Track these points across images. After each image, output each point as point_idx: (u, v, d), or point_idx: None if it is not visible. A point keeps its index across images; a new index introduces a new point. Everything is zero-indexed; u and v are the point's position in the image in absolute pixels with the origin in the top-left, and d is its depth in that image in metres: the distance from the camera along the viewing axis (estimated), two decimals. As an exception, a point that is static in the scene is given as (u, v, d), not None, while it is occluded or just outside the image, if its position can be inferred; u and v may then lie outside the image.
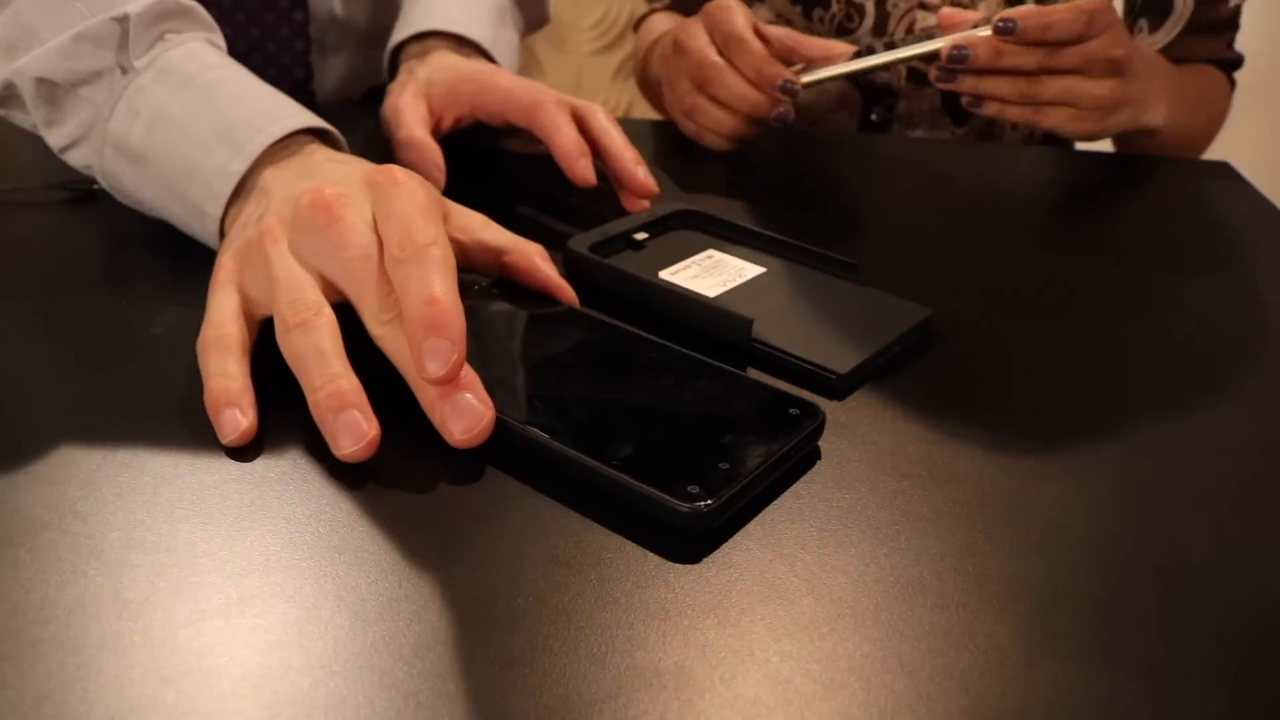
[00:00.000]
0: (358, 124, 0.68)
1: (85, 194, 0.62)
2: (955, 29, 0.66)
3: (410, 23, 0.72)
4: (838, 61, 0.70)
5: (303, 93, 0.83)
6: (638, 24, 1.06)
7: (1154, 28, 0.88)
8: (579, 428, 0.37)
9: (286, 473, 0.37)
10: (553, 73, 2.05)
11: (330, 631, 0.30)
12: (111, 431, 0.39)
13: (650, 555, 0.33)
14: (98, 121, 0.51)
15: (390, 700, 0.28)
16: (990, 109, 0.67)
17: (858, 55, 0.69)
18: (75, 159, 0.54)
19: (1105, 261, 0.59)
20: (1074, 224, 0.65)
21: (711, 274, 0.50)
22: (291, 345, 0.39)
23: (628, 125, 0.75)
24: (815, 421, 0.38)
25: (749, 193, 0.68)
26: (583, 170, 0.60)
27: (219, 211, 0.48)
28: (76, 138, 0.53)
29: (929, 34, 0.67)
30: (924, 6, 0.87)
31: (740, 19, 0.70)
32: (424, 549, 0.33)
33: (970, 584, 0.33)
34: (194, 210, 0.49)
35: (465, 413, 0.36)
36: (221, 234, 0.49)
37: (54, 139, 0.54)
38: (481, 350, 0.42)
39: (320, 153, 0.49)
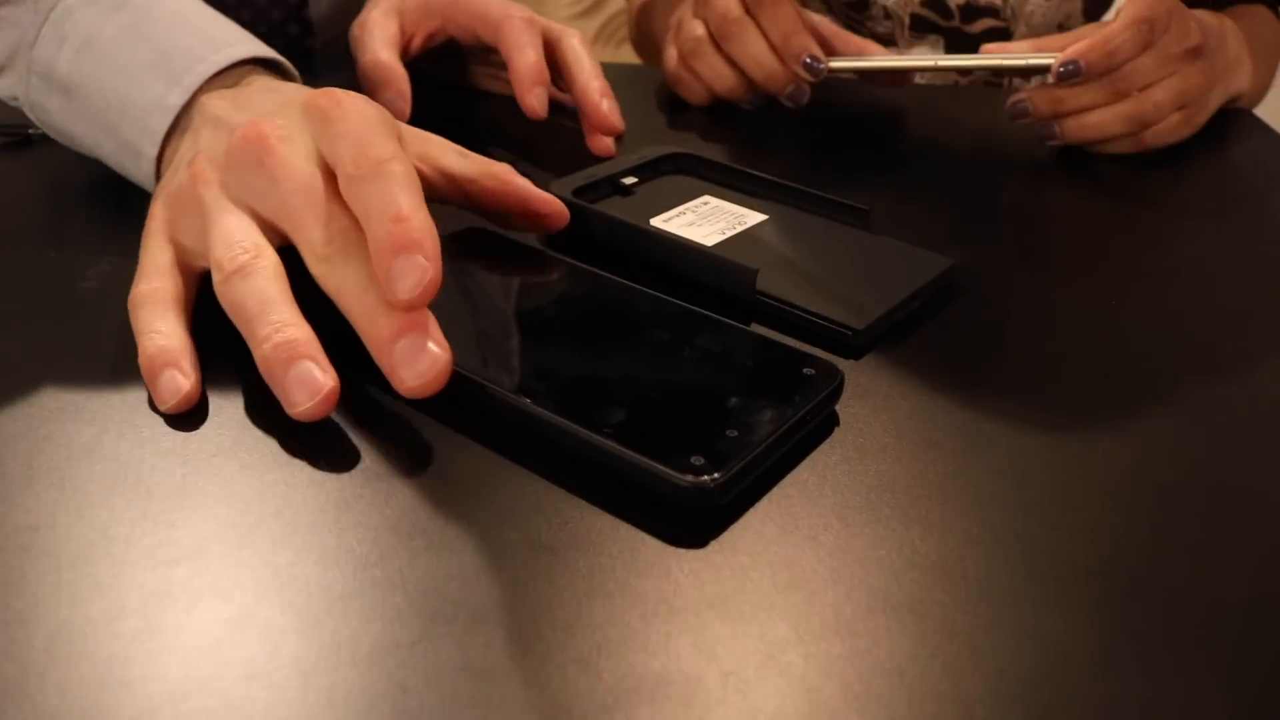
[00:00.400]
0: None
1: (21, 139, 0.57)
2: None
3: None
4: (857, 53, 0.65)
5: (296, 19, 0.78)
6: None
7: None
8: (564, 391, 0.32)
9: (227, 446, 0.32)
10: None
11: (270, 633, 0.25)
12: (28, 397, 0.34)
13: (648, 539, 0.29)
14: (22, 47, 0.46)
15: (340, 716, 0.23)
16: (1103, 146, 0.62)
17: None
18: (2, 89, 0.49)
19: (1134, 210, 0.54)
20: (1100, 171, 0.60)
21: (708, 221, 0.46)
22: (231, 294, 0.34)
23: (615, 68, 0.70)
24: (833, 382, 0.33)
25: (746, 136, 0.63)
26: (533, 100, 0.55)
27: (154, 150, 0.43)
28: (0, 64, 0.48)
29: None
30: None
31: None
32: (383, 534, 0.28)
33: (1020, 570, 0.28)
34: (128, 149, 0.44)
35: (418, 356, 0.31)
36: (158, 175, 0.43)
37: None
38: (451, 307, 0.37)
39: (260, 81, 0.44)
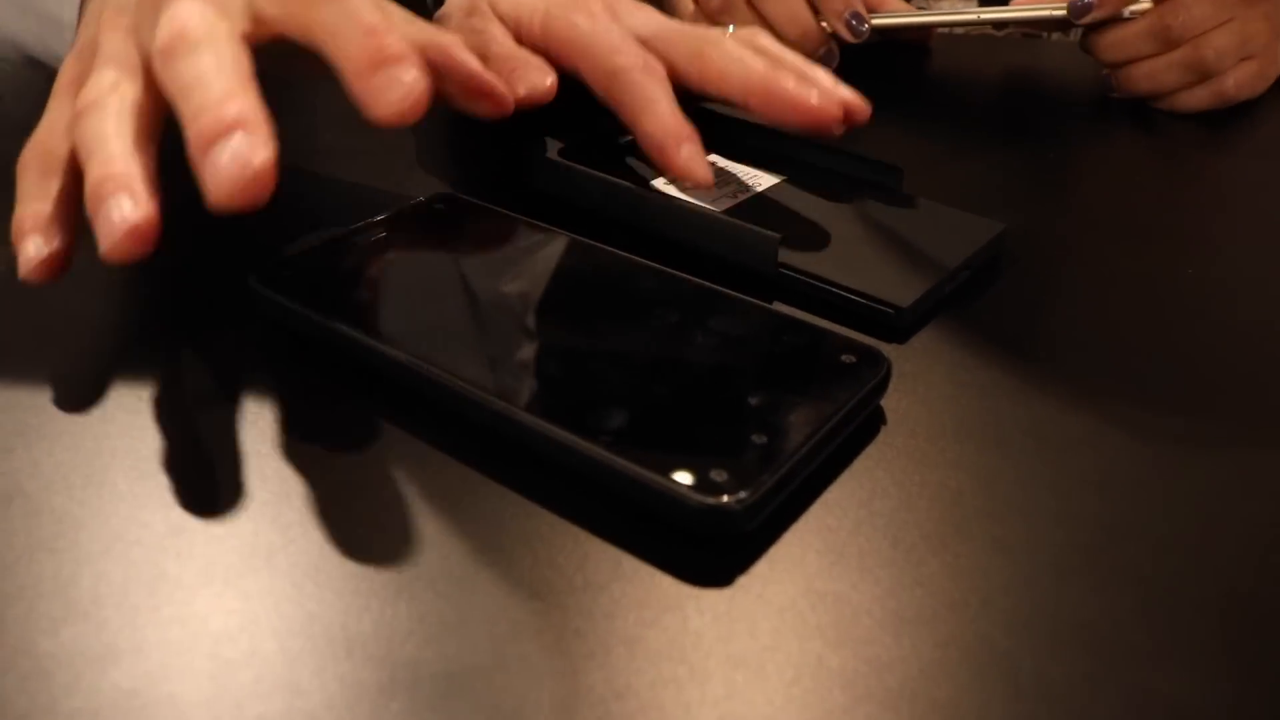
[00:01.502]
0: None
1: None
2: None
3: None
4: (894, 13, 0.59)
5: None
6: None
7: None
8: (551, 389, 0.27)
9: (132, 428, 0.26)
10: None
11: (205, 685, 0.20)
12: (-103, 406, 0.28)
13: (659, 577, 0.23)
14: None
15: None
16: (1167, 102, 0.56)
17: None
18: None
19: (1200, 167, 0.48)
20: (1161, 125, 0.54)
21: (717, 184, 0.40)
22: (75, 138, 0.30)
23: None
24: (879, 372, 0.28)
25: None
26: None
27: (74, 15, 0.39)
28: None
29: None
30: None
31: None
32: (325, 578, 0.23)
33: (1124, 611, 0.23)
34: (50, 24, 0.41)
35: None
36: None
37: None
38: (416, 289, 0.31)
39: None
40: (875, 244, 0.36)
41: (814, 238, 0.36)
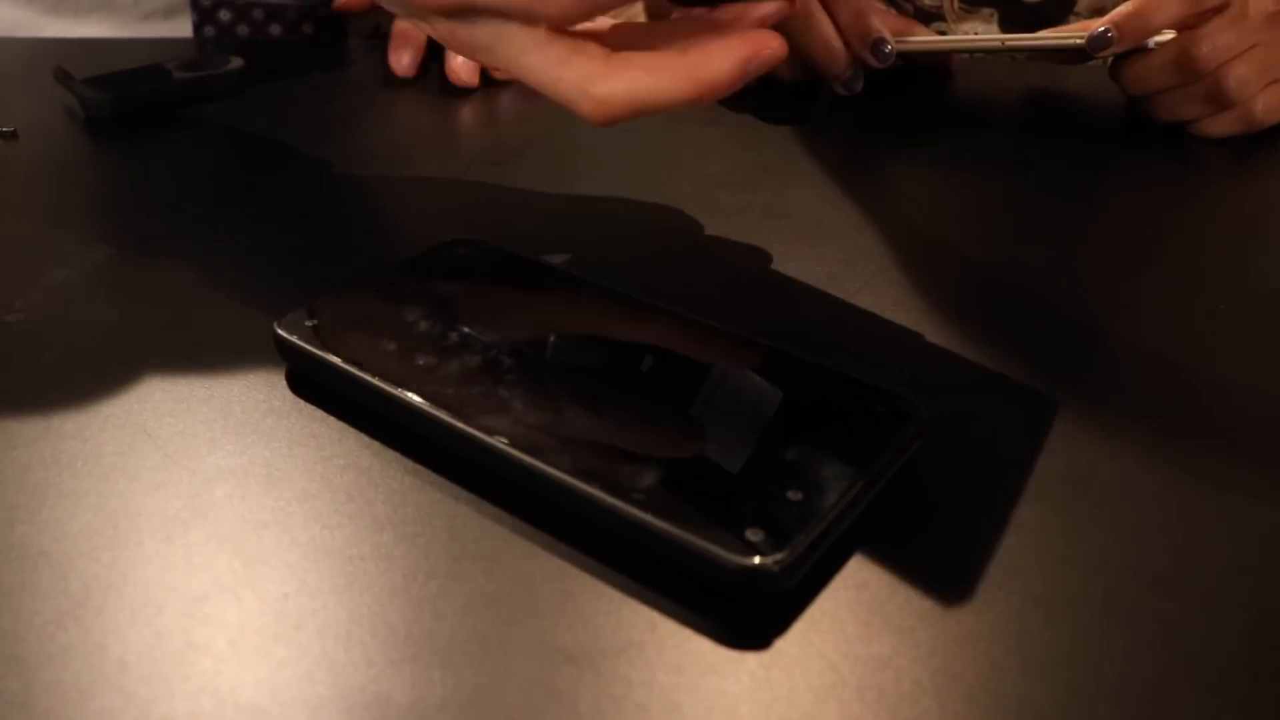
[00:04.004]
0: None
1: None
2: None
3: None
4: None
5: None
6: None
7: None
8: (580, 444, 0.27)
9: (185, 504, 0.26)
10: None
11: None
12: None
13: (696, 639, 0.23)
14: None
15: None
16: (1196, 127, 0.56)
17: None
18: None
19: (1230, 193, 0.48)
20: (1182, 149, 0.54)
21: None
22: None
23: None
24: (913, 424, 0.28)
25: (756, 134, 0.57)
26: None
27: None
28: None
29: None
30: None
31: None
32: (349, 640, 0.23)
33: (1180, 669, 0.23)
34: None
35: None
36: None
37: None
38: (437, 339, 0.31)
39: None
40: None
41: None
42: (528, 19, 0.32)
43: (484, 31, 0.34)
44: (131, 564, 0.25)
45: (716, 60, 0.32)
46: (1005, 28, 0.81)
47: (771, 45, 0.32)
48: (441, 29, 0.35)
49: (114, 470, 0.28)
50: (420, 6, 0.35)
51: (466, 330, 0.32)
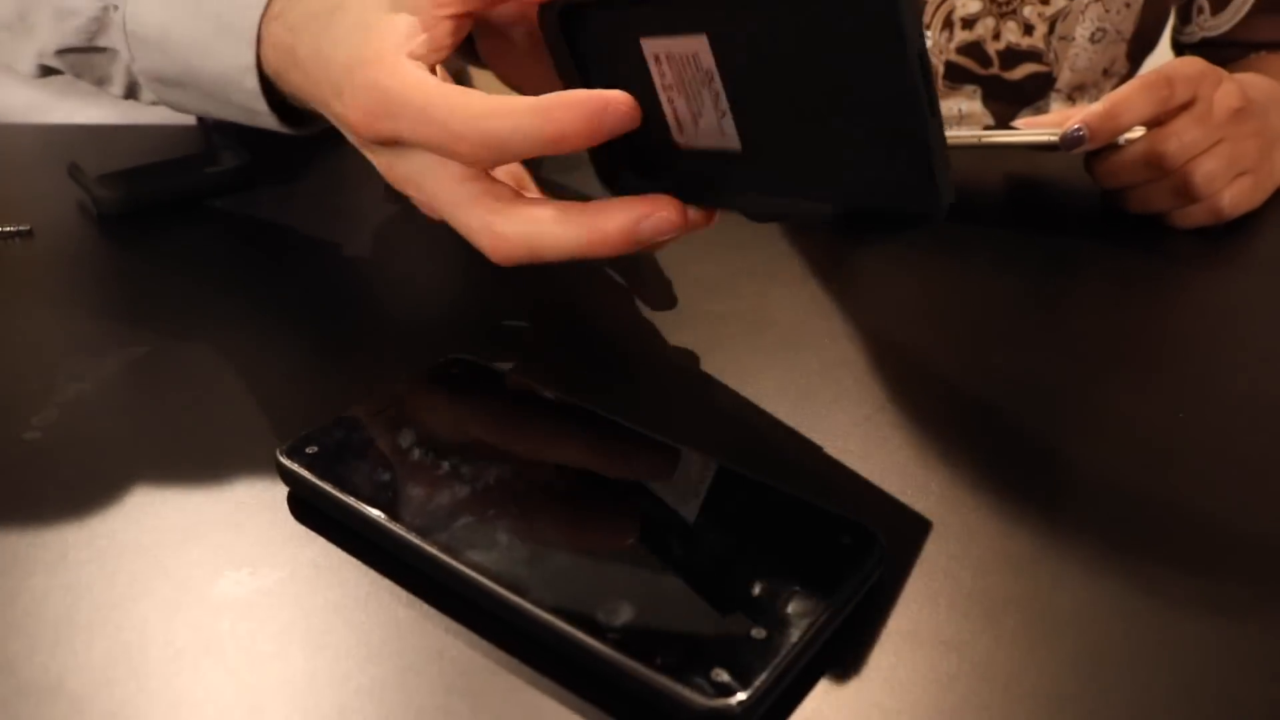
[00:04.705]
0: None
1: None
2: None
3: None
4: None
5: None
6: None
7: (1217, 8, 0.80)
8: (560, 582, 0.29)
9: (190, 637, 0.29)
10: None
11: None
12: (-53, 595, 0.31)
13: (663, 778, 0.25)
14: (127, 64, 0.52)
15: None
16: (1167, 218, 0.59)
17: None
18: (145, 99, 0.54)
19: (1201, 284, 0.51)
20: (1153, 238, 0.56)
21: None
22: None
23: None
24: (875, 555, 0.30)
25: (740, 232, 0.59)
26: None
27: (263, 105, 0.48)
28: (127, 84, 0.54)
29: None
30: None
31: None
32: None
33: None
34: (246, 112, 0.49)
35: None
36: (284, 111, 0.49)
37: (115, 93, 0.55)
38: (421, 464, 0.34)
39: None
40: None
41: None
42: (446, 155, 0.36)
43: (413, 165, 0.38)
44: (144, 698, 0.27)
45: (613, 217, 0.36)
46: (988, 104, 0.83)
47: (667, 212, 0.36)
48: (380, 161, 0.40)
49: (127, 599, 0.30)
50: (360, 138, 0.39)
51: (456, 460, 0.34)
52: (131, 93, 0.54)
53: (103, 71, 0.54)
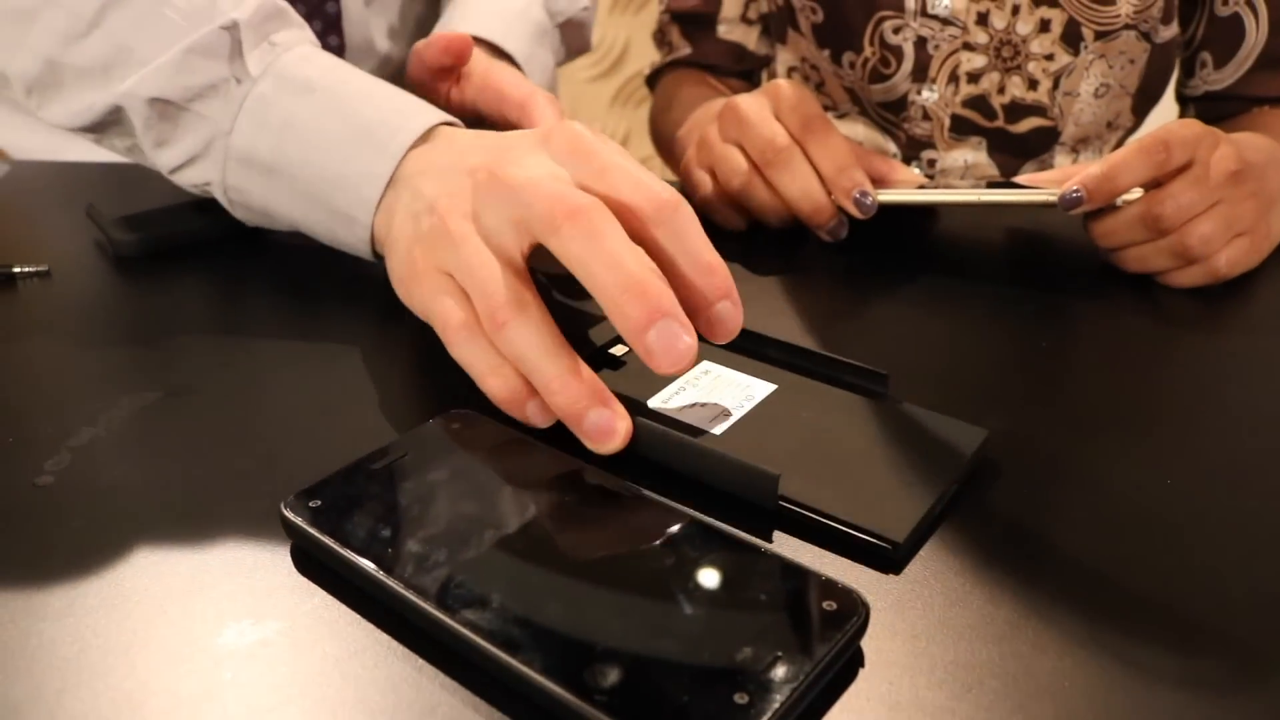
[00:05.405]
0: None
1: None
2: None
3: (445, 27, 0.73)
4: (900, 184, 0.64)
5: (335, 30, 0.83)
6: (651, 77, 1.00)
7: (1220, 62, 0.81)
8: (550, 641, 0.30)
9: (204, 684, 0.30)
10: (550, 100, 2.01)
11: None
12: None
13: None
14: (217, 137, 0.52)
15: None
16: (1163, 278, 0.60)
17: (934, 188, 0.64)
18: (190, 178, 0.54)
19: (1199, 353, 0.52)
20: (1151, 298, 0.57)
21: (712, 397, 0.43)
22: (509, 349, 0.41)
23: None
24: (857, 621, 0.31)
25: (742, 285, 0.61)
26: None
27: (369, 217, 0.50)
28: (193, 155, 0.53)
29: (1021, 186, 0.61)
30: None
31: (821, 107, 0.64)
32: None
33: None
34: (340, 217, 0.50)
35: (672, 342, 0.38)
36: (372, 239, 0.51)
37: (165, 159, 0.54)
38: (429, 524, 0.35)
39: (463, 136, 0.50)
40: (868, 465, 0.39)
41: (810, 464, 0.39)
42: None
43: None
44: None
45: (570, 403, 0.40)
46: (993, 156, 0.85)
47: (612, 434, 0.40)
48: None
49: (133, 648, 0.32)
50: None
51: (455, 516, 0.35)
52: (185, 163, 0.54)
53: (170, 137, 0.53)
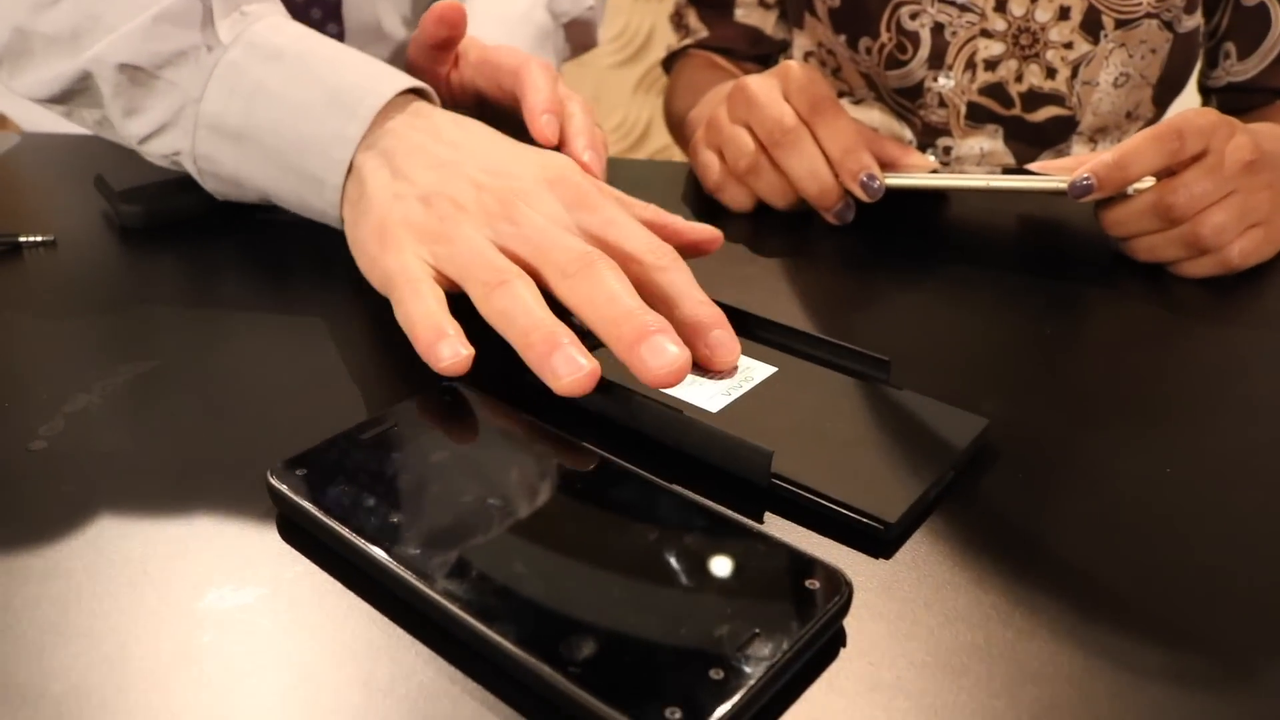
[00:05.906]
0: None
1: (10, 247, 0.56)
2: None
3: None
4: (912, 169, 0.63)
5: (335, 19, 0.83)
6: (667, 60, 1.00)
7: (1244, 53, 0.80)
8: (527, 613, 0.30)
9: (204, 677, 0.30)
10: (571, 86, 2.00)
11: None
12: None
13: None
14: (187, 104, 0.52)
15: None
16: (1174, 268, 0.59)
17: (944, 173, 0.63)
18: (159, 147, 0.54)
19: (1203, 344, 0.51)
20: (1160, 287, 0.57)
21: (711, 377, 0.43)
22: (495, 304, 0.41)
23: (640, 164, 0.68)
24: (839, 600, 0.31)
25: (746, 268, 0.61)
26: (543, 125, 0.59)
27: (340, 179, 0.50)
28: (162, 123, 0.53)
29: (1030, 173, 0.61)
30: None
31: (830, 89, 0.63)
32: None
33: None
34: (310, 182, 0.51)
35: (661, 353, 0.38)
36: (341, 202, 0.51)
37: (134, 128, 0.54)
38: (414, 495, 0.35)
39: (438, 114, 0.51)
40: (864, 449, 0.39)
41: (804, 443, 0.39)
42: None
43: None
44: (123, 709, 0.28)
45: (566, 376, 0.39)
46: (1009, 144, 0.84)
47: (578, 367, 0.39)
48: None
49: (114, 611, 0.32)
50: None
51: (439, 488, 0.35)
52: (154, 132, 0.54)
53: (139, 104, 0.53)
